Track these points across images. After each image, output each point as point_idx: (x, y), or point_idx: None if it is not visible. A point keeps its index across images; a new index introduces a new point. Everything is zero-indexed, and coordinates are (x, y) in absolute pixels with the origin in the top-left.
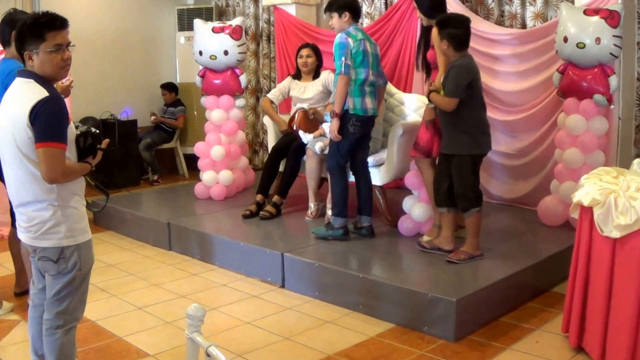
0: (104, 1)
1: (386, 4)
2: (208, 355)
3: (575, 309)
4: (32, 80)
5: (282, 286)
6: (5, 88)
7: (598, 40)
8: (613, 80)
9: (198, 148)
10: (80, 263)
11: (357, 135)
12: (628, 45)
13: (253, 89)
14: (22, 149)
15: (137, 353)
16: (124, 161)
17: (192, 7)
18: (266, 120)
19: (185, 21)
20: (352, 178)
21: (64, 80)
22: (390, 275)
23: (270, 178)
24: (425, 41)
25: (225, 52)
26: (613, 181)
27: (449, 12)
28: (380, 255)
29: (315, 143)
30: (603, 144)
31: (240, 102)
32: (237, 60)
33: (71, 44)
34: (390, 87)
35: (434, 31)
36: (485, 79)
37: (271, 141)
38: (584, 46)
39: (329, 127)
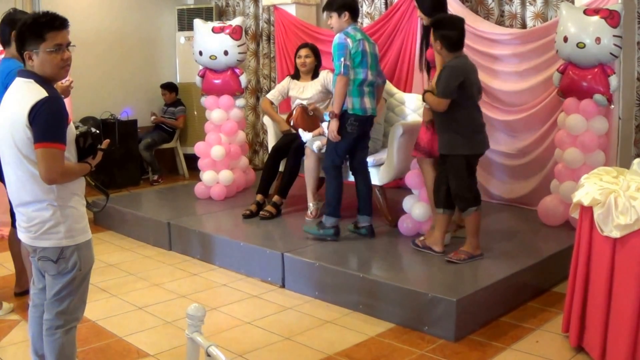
0: (104, 1)
1: (386, 4)
2: (208, 355)
3: (575, 308)
4: (32, 81)
5: (282, 286)
6: (5, 88)
7: (598, 40)
8: (613, 80)
9: (198, 148)
10: (80, 263)
11: (355, 135)
12: (628, 45)
13: (253, 89)
14: (21, 149)
15: (137, 353)
16: (124, 161)
17: (192, 7)
18: (266, 120)
19: (185, 21)
20: (351, 178)
21: (63, 81)
22: (391, 275)
23: (270, 178)
24: (426, 41)
25: (225, 52)
26: (613, 181)
27: (449, 12)
28: (380, 255)
29: (313, 142)
30: (603, 144)
31: (240, 102)
32: (237, 60)
33: (71, 44)
34: (391, 87)
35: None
36: (485, 78)
37: (271, 141)
38: (584, 46)
39: (327, 126)
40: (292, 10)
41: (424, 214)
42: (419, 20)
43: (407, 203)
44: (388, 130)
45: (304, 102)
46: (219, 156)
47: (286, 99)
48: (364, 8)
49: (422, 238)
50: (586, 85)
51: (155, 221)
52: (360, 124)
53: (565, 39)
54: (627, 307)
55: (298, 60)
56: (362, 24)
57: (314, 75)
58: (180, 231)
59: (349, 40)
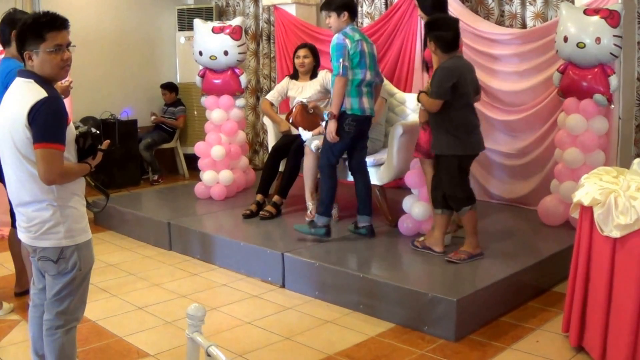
0: (104, 1)
1: (386, 4)
2: (208, 355)
3: (575, 308)
4: (31, 81)
5: (283, 286)
6: (5, 88)
7: (598, 40)
8: (613, 80)
9: (198, 148)
10: (80, 263)
11: (352, 135)
12: (628, 45)
13: (253, 88)
14: (21, 150)
15: (137, 353)
16: (124, 161)
17: (192, 7)
18: (266, 120)
19: (185, 21)
20: (351, 178)
21: (63, 81)
22: (391, 275)
23: (270, 178)
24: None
25: (225, 53)
26: (613, 181)
27: (449, 12)
28: (380, 255)
29: (312, 141)
30: (603, 144)
31: (241, 102)
32: (237, 60)
33: (71, 44)
34: (391, 87)
35: None
36: (485, 78)
37: (271, 141)
38: (584, 46)
39: (325, 126)
40: (292, 10)
41: (424, 214)
42: (420, 19)
43: (407, 203)
44: (389, 130)
45: (304, 100)
46: (219, 156)
47: (285, 100)
48: (364, 8)
49: (421, 239)
50: (586, 85)
51: (155, 221)
52: (358, 124)
53: (566, 39)
54: (627, 307)
55: (296, 61)
56: (362, 24)
57: (313, 75)
58: (180, 231)
59: (347, 41)
